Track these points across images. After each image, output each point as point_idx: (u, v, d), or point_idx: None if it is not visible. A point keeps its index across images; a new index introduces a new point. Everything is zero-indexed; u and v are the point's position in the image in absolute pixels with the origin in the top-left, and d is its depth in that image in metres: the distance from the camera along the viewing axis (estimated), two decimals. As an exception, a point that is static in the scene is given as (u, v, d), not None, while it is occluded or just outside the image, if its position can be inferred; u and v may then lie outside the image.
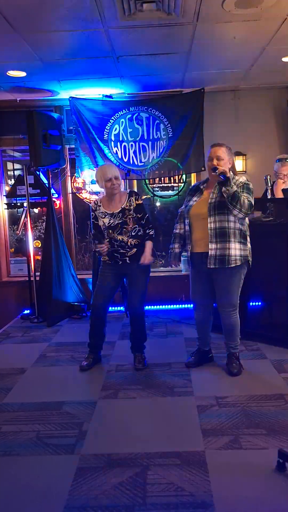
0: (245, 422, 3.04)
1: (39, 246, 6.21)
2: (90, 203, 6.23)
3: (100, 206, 3.90)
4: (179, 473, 2.52)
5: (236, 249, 3.59)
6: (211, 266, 3.59)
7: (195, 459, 2.64)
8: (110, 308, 5.73)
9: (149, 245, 3.92)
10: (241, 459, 2.64)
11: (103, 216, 3.85)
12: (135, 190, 6.25)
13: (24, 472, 2.62)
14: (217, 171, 3.44)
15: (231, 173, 3.54)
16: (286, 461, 2.48)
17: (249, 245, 3.70)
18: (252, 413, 3.17)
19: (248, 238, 3.70)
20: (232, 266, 3.59)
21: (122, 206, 3.84)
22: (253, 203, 3.54)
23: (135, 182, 6.24)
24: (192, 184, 6.16)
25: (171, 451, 2.73)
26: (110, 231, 3.81)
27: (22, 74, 4.85)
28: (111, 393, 3.58)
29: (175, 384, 3.71)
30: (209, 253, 3.58)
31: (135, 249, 3.86)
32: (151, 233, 3.94)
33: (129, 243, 3.83)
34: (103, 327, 4.10)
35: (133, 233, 3.86)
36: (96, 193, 5.76)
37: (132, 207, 3.85)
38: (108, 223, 3.82)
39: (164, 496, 2.34)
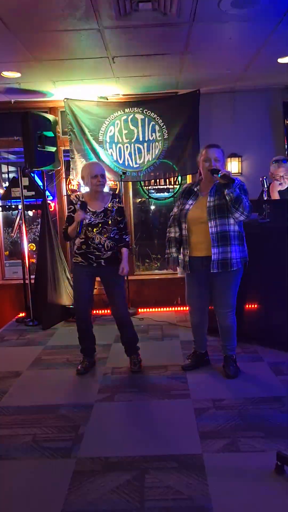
0: (243, 425, 3.03)
1: (34, 249, 6.17)
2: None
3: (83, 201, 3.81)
4: (177, 476, 2.50)
5: (236, 252, 3.58)
6: (215, 271, 3.56)
7: (193, 463, 2.62)
8: (102, 311, 5.77)
9: (126, 253, 3.92)
10: (239, 462, 2.63)
11: (86, 212, 3.76)
12: (130, 192, 6.26)
13: (21, 476, 2.59)
14: (220, 173, 3.39)
15: None
16: (284, 463, 2.47)
17: (245, 245, 3.69)
18: (250, 415, 3.15)
19: (244, 239, 3.69)
20: (234, 269, 3.58)
21: (105, 206, 3.81)
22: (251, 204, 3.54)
23: (130, 184, 6.21)
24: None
25: (168, 454, 2.71)
26: (90, 228, 3.74)
27: (17, 75, 4.82)
28: (108, 396, 3.56)
29: (171, 386, 3.68)
30: (212, 257, 3.54)
31: (110, 252, 3.83)
32: (127, 239, 3.96)
33: (105, 245, 3.79)
34: (91, 330, 4.09)
35: (111, 235, 3.83)
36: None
37: (114, 209, 3.84)
38: (89, 221, 3.75)
39: (162, 500, 2.31)
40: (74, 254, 3.91)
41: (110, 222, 3.80)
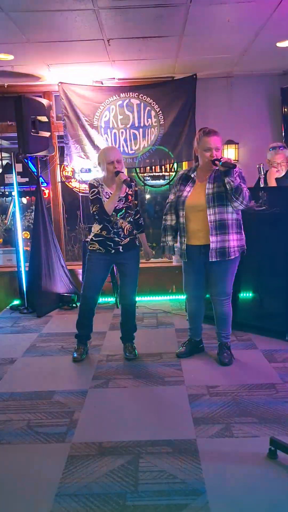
0: (236, 411, 3.03)
1: (28, 237, 6.13)
2: (79, 192, 6.17)
3: (102, 185, 3.76)
4: (171, 461, 2.50)
5: (234, 240, 3.56)
6: (213, 259, 3.54)
7: (186, 447, 2.63)
8: (100, 299, 5.75)
9: (145, 238, 4.03)
10: (233, 447, 2.64)
11: (107, 196, 3.71)
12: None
13: (15, 460, 2.59)
14: (221, 161, 3.33)
15: None
16: (277, 448, 2.48)
17: (243, 233, 3.67)
18: (243, 402, 3.16)
19: (242, 227, 3.66)
20: (231, 258, 3.56)
21: (126, 191, 3.77)
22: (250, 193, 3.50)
23: (125, 171, 6.13)
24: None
25: (162, 440, 2.71)
26: (114, 213, 3.70)
27: (10, 57, 4.74)
28: (102, 383, 3.55)
29: (166, 373, 3.68)
30: (211, 246, 3.51)
31: (128, 238, 3.81)
32: (142, 223, 4.00)
33: (125, 230, 3.76)
34: (92, 318, 4.07)
35: (131, 219, 3.83)
36: (86, 182, 5.67)
37: (133, 193, 3.82)
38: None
39: (156, 483, 2.32)
40: (90, 241, 3.85)
41: (131, 206, 3.80)
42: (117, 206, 3.70)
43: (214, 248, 3.52)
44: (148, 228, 6.57)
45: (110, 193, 3.71)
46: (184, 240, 3.67)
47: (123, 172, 3.66)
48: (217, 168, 3.42)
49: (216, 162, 3.39)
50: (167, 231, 3.84)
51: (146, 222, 6.54)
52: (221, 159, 3.36)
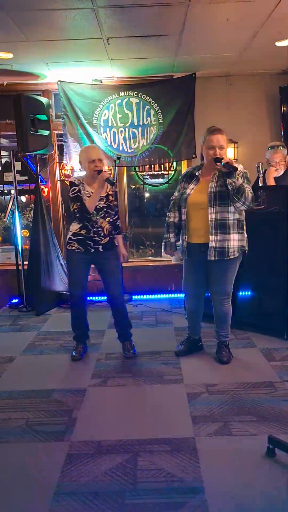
0: (235, 409, 3.04)
1: (27, 235, 6.13)
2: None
3: (83, 184, 3.76)
4: (170, 459, 2.51)
5: (234, 241, 3.55)
6: (211, 258, 3.54)
7: (185, 446, 2.64)
8: (96, 297, 5.76)
9: (121, 239, 4.03)
10: (231, 445, 2.65)
11: (88, 195, 3.71)
12: (125, 178, 6.22)
13: (14, 459, 2.59)
14: (222, 161, 3.33)
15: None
16: (275, 447, 2.49)
17: (245, 234, 3.67)
18: (242, 400, 3.17)
19: (245, 227, 3.66)
20: (231, 258, 3.56)
21: (107, 191, 3.79)
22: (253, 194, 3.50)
23: (124, 169, 6.16)
24: (183, 172, 6.14)
25: (161, 438, 2.72)
26: (94, 212, 3.71)
27: (9, 55, 4.73)
28: (101, 381, 3.56)
29: (165, 372, 3.69)
30: (210, 244, 3.52)
31: (108, 238, 3.82)
32: (119, 224, 4.02)
33: (105, 230, 3.77)
34: (85, 316, 4.07)
35: (111, 219, 3.85)
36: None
37: (113, 193, 3.84)
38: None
39: (155, 482, 2.32)
40: (68, 241, 3.84)
41: (112, 206, 3.81)
42: (97, 205, 3.71)
43: (213, 247, 3.52)
44: (147, 226, 6.59)
45: (91, 192, 3.71)
46: (185, 238, 3.68)
47: (105, 171, 3.67)
48: (220, 167, 3.43)
49: (218, 162, 3.39)
50: (170, 228, 3.84)
51: (146, 221, 6.60)
52: (223, 160, 3.35)
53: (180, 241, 3.78)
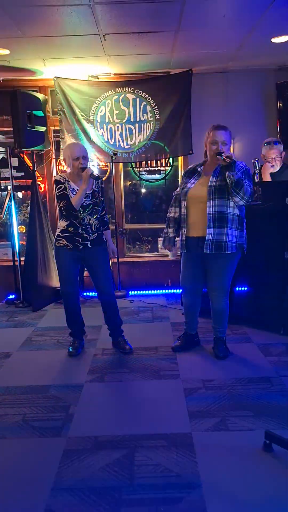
0: (232, 405, 3.06)
1: (24, 231, 6.12)
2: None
3: (69, 182, 3.76)
4: (166, 454, 2.52)
5: (233, 236, 3.56)
6: (207, 251, 3.54)
7: (182, 441, 2.65)
8: (92, 293, 5.76)
9: (109, 235, 4.07)
10: (228, 440, 2.66)
11: (74, 192, 3.72)
12: (121, 174, 6.22)
13: (11, 454, 2.60)
14: (223, 155, 3.35)
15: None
16: (272, 442, 2.50)
17: (245, 232, 3.68)
18: (239, 395, 3.18)
19: (245, 225, 3.67)
20: (228, 252, 3.56)
21: (93, 187, 3.79)
22: (253, 189, 3.51)
23: (121, 165, 6.16)
24: (180, 167, 6.17)
25: (158, 433, 2.73)
26: (81, 209, 3.71)
27: (6, 51, 4.72)
28: (98, 377, 3.57)
29: (161, 367, 3.70)
30: (206, 237, 3.52)
31: (96, 234, 3.83)
32: (107, 220, 4.05)
33: (93, 226, 3.78)
34: (79, 312, 4.08)
35: (98, 215, 3.85)
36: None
37: (98, 189, 3.84)
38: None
39: (152, 477, 2.33)
40: (57, 238, 3.84)
41: (98, 202, 3.81)
42: (84, 202, 3.72)
43: (210, 240, 3.52)
44: (144, 222, 6.59)
45: (77, 189, 3.72)
46: (184, 231, 3.69)
47: (89, 168, 3.69)
48: (220, 161, 3.44)
49: (218, 155, 3.40)
50: (170, 223, 3.87)
51: (142, 216, 6.59)
52: (223, 154, 3.37)
53: (180, 235, 3.78)
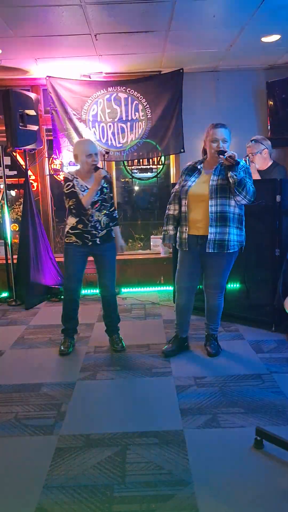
0: (223, 401, 3.08)
1: (16, 230, 6.13)
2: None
3: (77, 178, 3.77)
4: (158, 452, 2.54)
5: (234, 235, 3.56)
6: (210, 250, 3.52)
7: (173, 438, 2.66)
8: (86, 291, 5.78)
9: (119, 231, 4.06)
10: (220, 437, 2.68)
11: (83, 189, 3.73)
12: (114, 172, 6.23)
13: (2, 453, 2.61)
14: (225, 155, 3.32)
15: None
16: (263, 438, 2.52)
17: (244, 230, 3.68)
18: (230, 392, 3.20)
19: (244, 223, 3.67)
20: (230, 251, 3.57)
21: (101, 184, 3.78)
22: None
23: (113, 163, 6.17)
24: (172, 166, 6.18)
25: (149, 431, 2.75)
26: (89, 206, 3.73)
27: (-2, 51, 4.73)
28: (90, 375, 3.58)
29: (153, 365, 3.72)
30: (209, 237, 3.50)
31: (105, 230, 3.85)
32: (116, 216, 4.05)
33: (102, 223, 3.80)
34: (77, 309, 4.10)
35: (107, 212, 3.86)
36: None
37: (108, 185, 3.85)
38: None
39: (143, 474, 2.35)
40: (66, 234, 3.85)
41: (107, 198, 3.82)
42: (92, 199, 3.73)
43: (212, 240, 3.50)
44: (136, 220, 6.61)
45: (86, 186, 3.73)
46: (185, 229, 3.65)
47: (102, 168, 3.69)
48: (222, 161, 3.43)
49: (221, 155, 3.38)
50: (169, 221, 3.79)
51: (135, 214, 6.61)
52: (226, 153, 3.34)
53: (178, 233, 3.75)
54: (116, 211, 4.09)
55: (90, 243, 3.81)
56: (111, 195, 3.93)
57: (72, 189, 3.71)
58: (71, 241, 3.84)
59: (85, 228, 3.78)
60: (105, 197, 3.82)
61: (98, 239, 3.82)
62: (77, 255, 3.87)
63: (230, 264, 3.71)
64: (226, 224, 3.50)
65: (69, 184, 3.72)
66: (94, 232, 3.79)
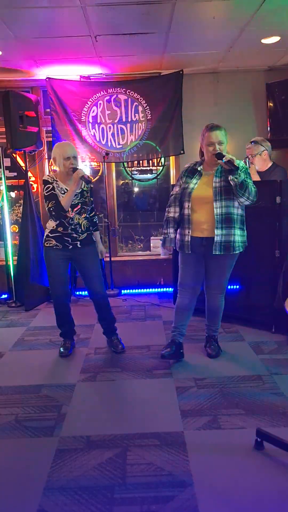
0: (224, 403, 3.08)
1: (16, 231, 6.13)
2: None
3: (57, 181, 3.74)
4: (159, 453, 2.54)
5: (238, 236, 3.56)
6: (217, 253, 3.52)
7: (174, 440, 2.66)
8: (84, 292, 5.78)
9: (99, 236, 4.06)
10: (220, 438, 2.68)
11: (63, 192, 3.71)
12: (113, 173, 6.24)
13: (3, 455, 2.61)
14: (224, 159, 3.29)
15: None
16: (264, 439, 2.53)
17: (245, 230, 3.68)
18: (230, 393, 3.20)
19: (245, 224, 3.67)
20: (235, 252, 3.57)
21: (82, 187, 3.79)
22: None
23: (113, 165, 6.18)
24: (172, 167, 6.19)
25: (150, 432, 2.75)
26: (70, 209, 3.70)
27: (-3, 53, 4.73)
28: (90, 376, 3.58)
29: (154, 366, 3.72)
30: (215, 239, 3.49)
31: (86, 234, 3.84)
32: (97, 221, 4.05)
33: (82, 226, 3.79)
34: (69, 312, 4.09)
35: (87, 215, 3.86)
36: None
37: (88, 189, 3.84)
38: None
39: (144, 476, 2.35)
40: (46, 238, 3.82)
41: (87, 202, 3.81)
42: (73, 201, 3.71)
43: (219, 242, 3.50)
44: (136, 221, 6.61)
45: (66, 189, 3.71)
46: (188, 232, 3.61)
47: (80, 169, 3.68)
48: (221, 164, 3.41)
49: (219, 159, 3.34)
50: (170, 223, 3.75)
51: (135, 216, 6.61)
52: (224, 158, 3.30)
53: (179, 236, 3.71)
54: (97, 217, 4.07)
55: (71, 246, 3.78)
56: (92, 199, 3.90)
57: (52, 191, 3.69)
58: (51, 244, 3.79)
59: (65, 231, 3.74)
60: (86, 200, 3.80)
61: (78, 243, 3.79)
62: (58, 259, 3.82)
63: (233, 264, 3.71)
64: (231, 226, 3.50)
65: (48, 187, 3.70)
66: (74, 235, 3.77)
